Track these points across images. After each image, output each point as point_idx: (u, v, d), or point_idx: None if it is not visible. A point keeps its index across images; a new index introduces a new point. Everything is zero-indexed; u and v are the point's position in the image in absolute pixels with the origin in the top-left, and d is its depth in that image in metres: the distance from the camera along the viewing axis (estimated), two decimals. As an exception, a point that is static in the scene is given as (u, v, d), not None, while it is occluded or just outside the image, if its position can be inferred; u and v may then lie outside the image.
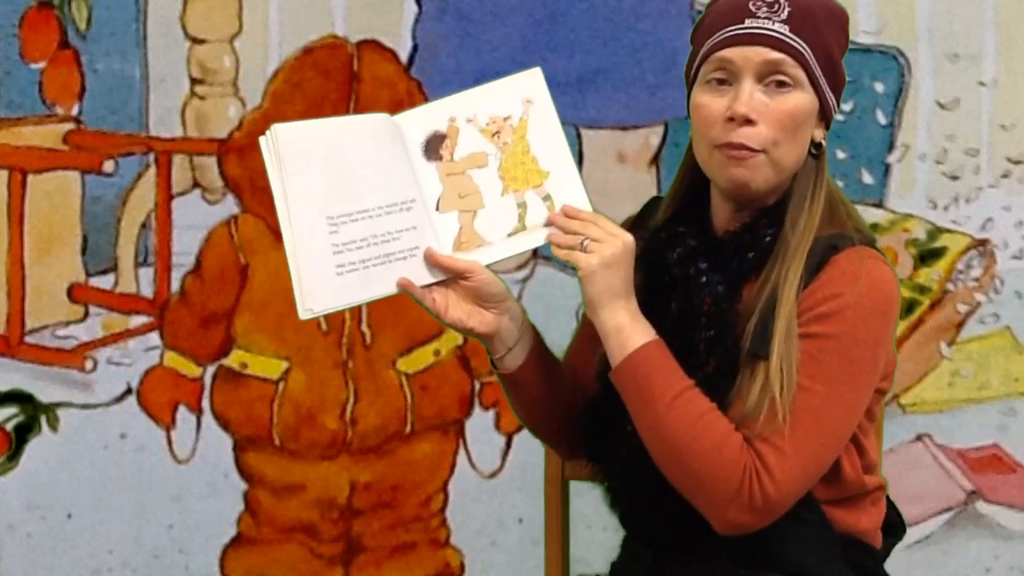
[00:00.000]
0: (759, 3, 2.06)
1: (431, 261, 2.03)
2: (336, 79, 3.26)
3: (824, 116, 2.08)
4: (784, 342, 1.98)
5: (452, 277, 2.04)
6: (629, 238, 2.01)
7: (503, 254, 2.05)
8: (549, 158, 2.05)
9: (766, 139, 2.03)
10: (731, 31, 2.05)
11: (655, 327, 2.06)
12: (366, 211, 2.00)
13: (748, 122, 2.03)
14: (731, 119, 2.03)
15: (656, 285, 2.09)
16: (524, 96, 2.05)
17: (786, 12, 2.04)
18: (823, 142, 2.08)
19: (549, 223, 2.04)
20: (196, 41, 3.26)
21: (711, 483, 1.97)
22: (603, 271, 1.99)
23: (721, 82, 2.05)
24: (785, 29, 2.04)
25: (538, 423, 2.22)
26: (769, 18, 2.04)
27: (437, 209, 2.04)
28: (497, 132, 2.05)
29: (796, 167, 2.06)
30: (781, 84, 2.03)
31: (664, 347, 2.01)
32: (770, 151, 2.04)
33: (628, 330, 2.01)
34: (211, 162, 3.29)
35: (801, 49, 2.03)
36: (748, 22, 2.05)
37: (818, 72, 2.05)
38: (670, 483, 2.01)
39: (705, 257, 2.07)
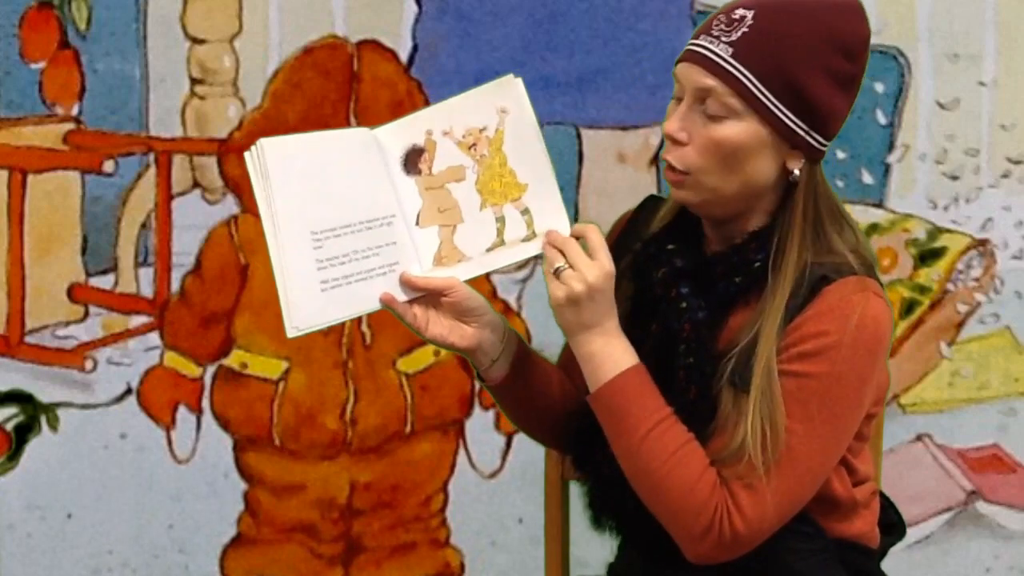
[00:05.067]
0: (721, 18, 1.97)
1: (407, 285, 2.01)
2: (336, 79, 3.26)
3: (795, 144, 1.97)
4: (764, 377, 1.93)
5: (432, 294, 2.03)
6: (599, 272, 1.95)
7: (482, 269, 2.03)
8: (527, 170, 2.01)
9: (691, 163, 1.97)
10: (687, 46, 1.99)
11: (637, 345, 2.03)
12: (348, 226, 1.99)
13: (677, 142, 1.97)
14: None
15: (641, 302, 2.07)
16: (500, 106, 2.02)
17: (740, 32, 1.94)
18: (797, 171, 1.97)
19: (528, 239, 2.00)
20: (196, 41, 3.26)
21: (682, 518, 1.95)
22: (570, 306, 1.96)
23: (678, 98, 2.00)
24: (727, 52, 1.94)
25: (530, 427, 2.22)
26: (718, 37, 1.95)
27: (417, 224, 2.02)
28: (474, 144, 2.02)
29: (745, 195, 1.99)
30: (714, 112, 1.95)
31: (642, 373, 1.98)
32: (695, 174, 1.97)
33: (600, 358, 1.97)
34: (211, 162, 3.29)
35: (739, 76, 1.93)
36: (700, 39, 1.97)
37: (769, 100, 1.93)
38: None
39: (690, 279, 2.02)
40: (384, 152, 2.01)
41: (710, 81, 1.95)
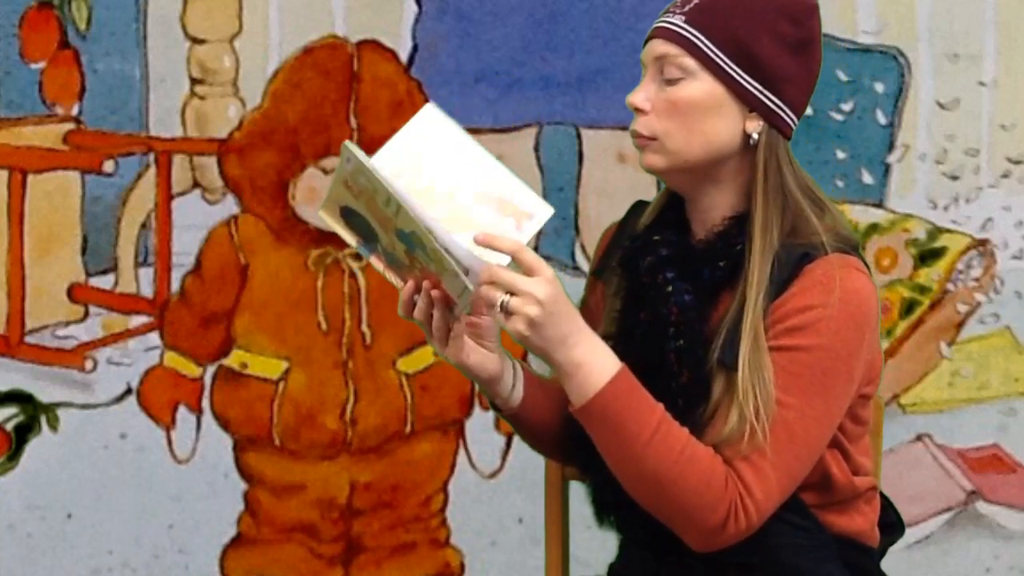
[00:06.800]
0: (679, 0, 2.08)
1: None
2: (336, 79, 3.26)
3: (752, 105, 2.04)
4: (751, 352, 1.96)
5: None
6: (543, 284, 1.90)
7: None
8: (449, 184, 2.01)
9: (654, 128, 2.05)
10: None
11: (627, 336, 2.06)
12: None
13: (640, 111, 2.06)
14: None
15: (630, 293, 2.09)
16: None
17: (692, 4, 2.04)
18: (755, 135, 2.04)
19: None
20: (196, 41, 3.26)
21: (699, 514, 1.96)
22: (534, 332, 1.91)
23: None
24: (680, 20, 2.04)
25: (540, 446, 2.22)
26: (674, 12, 2.06)
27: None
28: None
29: (709, 159, 2.04)
30: (671, 75, 2.04)
31: (629, 377, 1.96)
32: (661, 139, 2.05)
33: (587, 368, 1.95)
34: (211, 162, 3.29)
35: (692, 38, 2.02)
36: (659, 18, 2.08)
37: (721, 59, 2.02)
38: None
39: (677, 266, 2.05)
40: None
41: (665, 47, 2.04)
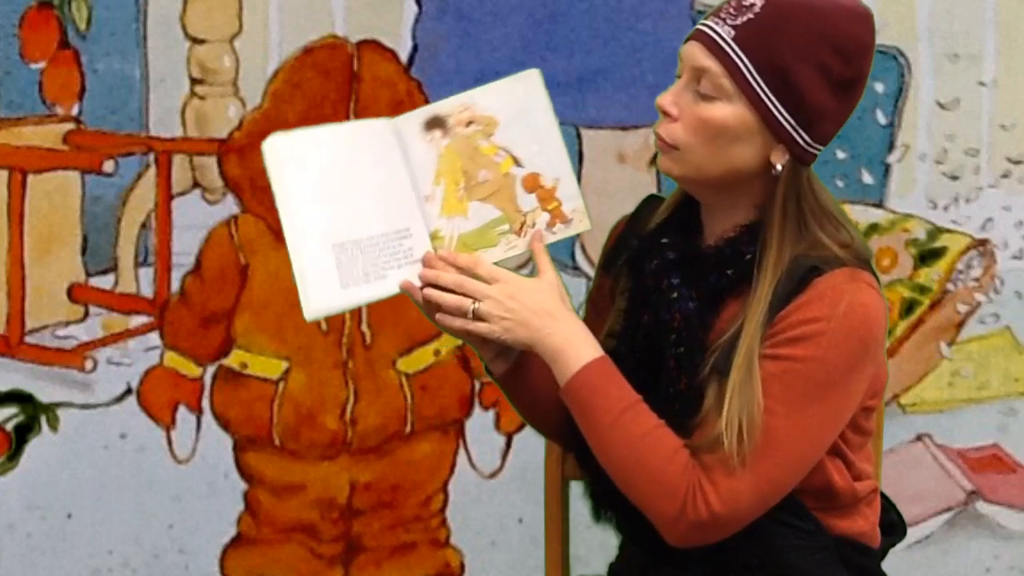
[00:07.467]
0: (733, 3, 2.00)
1: (429, 262, 2.01)
2: (336, 79, 3.26)
3: (781, 137, 1.99)
4: (744, 362, 1.94)
5: None
6: (502, 287, 1.98)
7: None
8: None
9: (679, 138, 2.00)
10: (696, 26, 2.03)
11: (629, 337, 2.06)
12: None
13: (669, 115, 2.01)
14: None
15: (635, 294, 2.08)
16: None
17: (745, 18, 1.97)
18: (779, 166, 1.99)
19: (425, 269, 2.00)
20: (196, 41, 3.26)
21: (655, 502, 1.96)
22: (518, 329, 1.97)
23: (680, 77, 2.04)
24: (729, 35, 1.97)
25: (538, 421, 2.22)
26: (724, 20, 1.98)
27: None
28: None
29: (727, 180, 2.01)
30: (706, 91, 1.98)
31: (607, 363, 1.99)
32: (683, 150, 2.00)
33: (566, 353, 1.99)
34: (211, 162, 3.29)
35: (735, 59, 1.96)
36: (709, 20, 2.01)
37: (760, 88, 1.97)
38: None
39: (683, 271, 2.03)
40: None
41: (707, 61, 1.98)
